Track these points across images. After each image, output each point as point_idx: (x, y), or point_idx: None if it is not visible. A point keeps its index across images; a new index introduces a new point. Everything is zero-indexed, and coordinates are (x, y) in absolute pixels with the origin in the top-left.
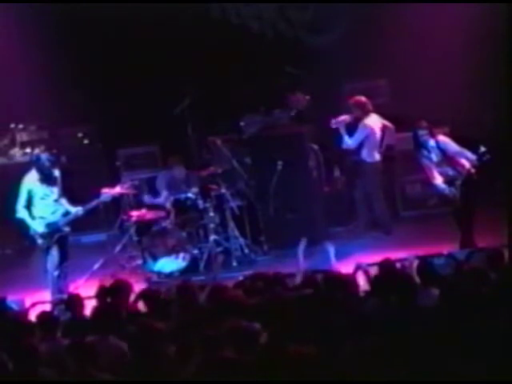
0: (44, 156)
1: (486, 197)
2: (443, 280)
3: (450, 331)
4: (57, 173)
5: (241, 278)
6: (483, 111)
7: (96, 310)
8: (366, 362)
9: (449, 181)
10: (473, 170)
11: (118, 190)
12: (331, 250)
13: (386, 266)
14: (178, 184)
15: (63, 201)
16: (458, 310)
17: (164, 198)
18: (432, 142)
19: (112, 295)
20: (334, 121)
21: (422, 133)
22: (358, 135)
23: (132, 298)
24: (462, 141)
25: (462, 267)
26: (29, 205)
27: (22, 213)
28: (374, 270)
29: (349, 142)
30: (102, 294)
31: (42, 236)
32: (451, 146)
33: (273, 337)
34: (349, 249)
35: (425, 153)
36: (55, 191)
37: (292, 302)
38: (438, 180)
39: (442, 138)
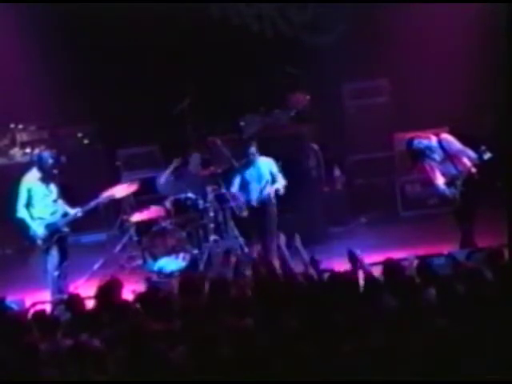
0: (46, 154)
1: (486, 197)
2: (441, 280)
3: (449, 331)
4: (56, 172)
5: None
6: (483, 111)
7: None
8: (366, 361)
9: (450, 180)
10: (474, 170)
11: (119, 193)
12: (298, 243)
13: (389, 265)
14: (181, 183)
15: (61, 202)
16: (457, 310)
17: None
18: (434, 141)
19: (104, 295)
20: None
21: (416, 142)
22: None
23: (126, 295)
24: (462, 140)
25: (459, 267)
26: (28, 204)
27: (22, 212)
28: (375, 270)
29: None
30: (96, 294)
31: (42, 237)
32: (454, 144)
33: (274, 335)
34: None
35: (427, 153)
36: (54, 191)
37: (294, 299)
38: (440, 181)
39: (444, 137)
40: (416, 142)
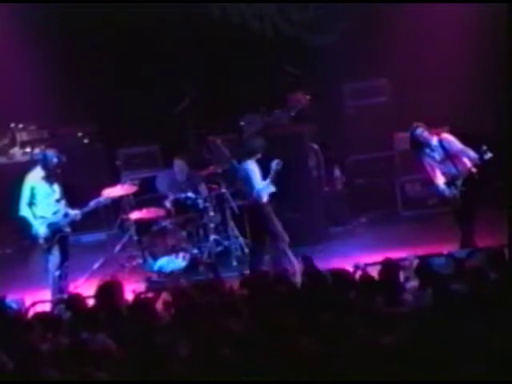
0: (51, 153)
1: (487, 197)
2: (441, 280)
3: (449, 330)
4: (59, 172)
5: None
6: (483, 110)
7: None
8: (366, 361)
9: (450, 180)
10: (474, 170)
11: (118, 192)
12: (288, 250)
13: (388, 265)
14: (180, 184)
15: (63, 202)
16: (458, 309)
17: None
18: (435, 141)
19: (104, 296)
20: None
21: (420, 131)
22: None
23: (126, 295)
24: (462, 140)
25: (463, 265)
26: (31, 203)
27: (25, 211)
28: (373, 270)
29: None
30: (96, 294)
31: (44, 237)
32: (455, 144)
33: (273, 336)
34: (349, 249)
35: (427, 151)
36: (57, 190)
37: (296, 299)
38: (440, 180)
39: (445, 136)
40: (419, 130)
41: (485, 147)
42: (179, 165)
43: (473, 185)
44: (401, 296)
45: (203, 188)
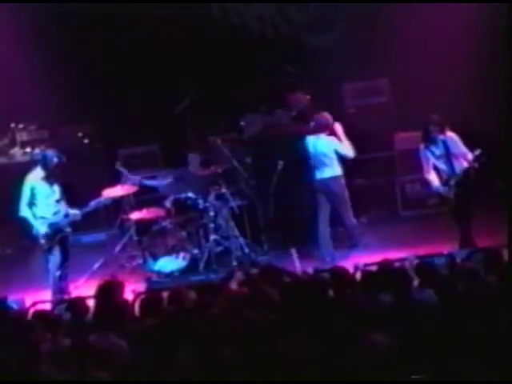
0: (51, 153)
1: (486, 197)
2: (441, 280)
3: (448, 331)
4: (59, 172)
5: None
6: (484, 111)
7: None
8: (365, 361)
9: (445, 180)
10: (469, 172)
11: (118, 192)
12: (294, 254)
13: (384, 265)
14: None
15: (63, 203)
16: (456, 310)
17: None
18: (442, 137)
19: (104, 295)
20: None
21: (434, 128)
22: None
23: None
24: (461, 140)
25: (462, 266)
26: (31, 204)
27: (25, 211)
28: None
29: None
30: (96, 294)
31: (45, 237)
32: (458, 145)
33: (273, 336)
34: (349, 249)
35: (432, 148)
36: (57, 191)
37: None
38: (432, 176)
39: (450, 136)
40: (433, 125)
41: (479, 150)
42: (194, 157)
43: (467, 185)
44: (401, 295)
45: (213, 194)
